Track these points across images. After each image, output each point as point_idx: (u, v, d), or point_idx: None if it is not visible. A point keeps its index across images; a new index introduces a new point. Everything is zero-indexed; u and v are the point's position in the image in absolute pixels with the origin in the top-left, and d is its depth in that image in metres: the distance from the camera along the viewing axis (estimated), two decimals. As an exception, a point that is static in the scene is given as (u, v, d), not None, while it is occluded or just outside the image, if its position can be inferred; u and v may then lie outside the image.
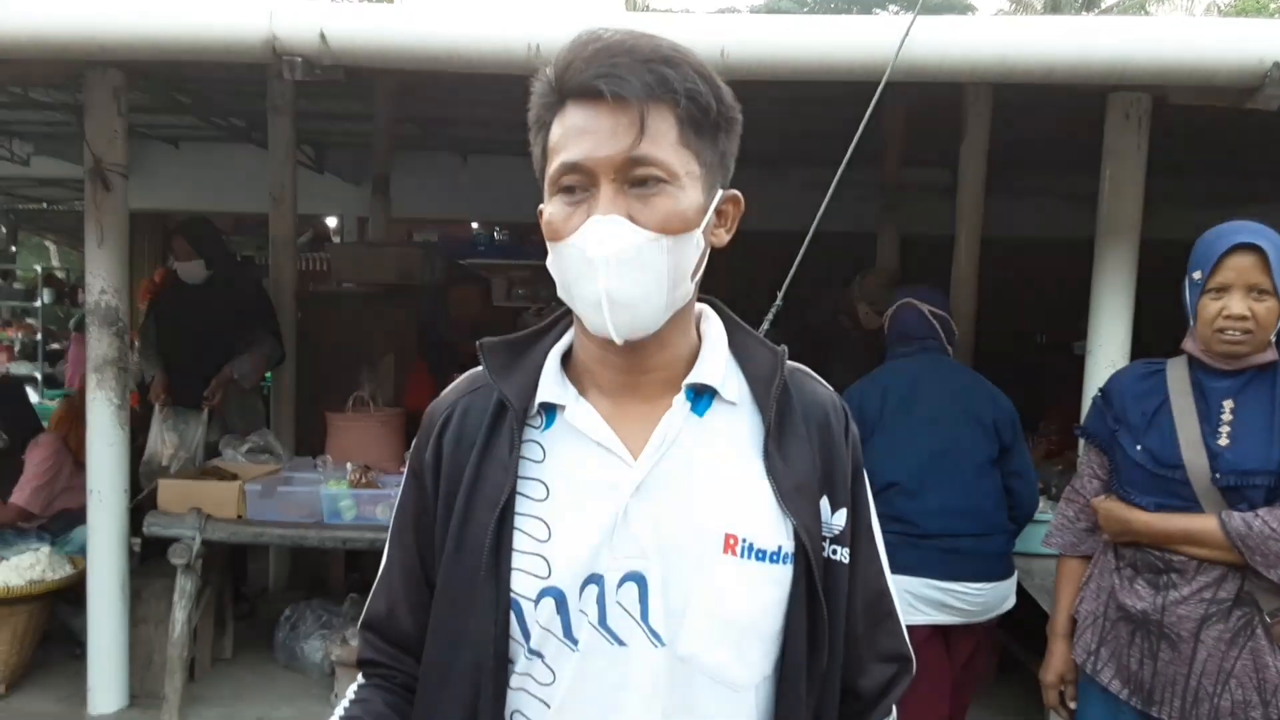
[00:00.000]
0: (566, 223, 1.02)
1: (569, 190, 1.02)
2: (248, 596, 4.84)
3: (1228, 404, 2.12)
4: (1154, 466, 2.17)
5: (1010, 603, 3.19)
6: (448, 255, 7.40)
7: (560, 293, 1.06)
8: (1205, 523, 2.09)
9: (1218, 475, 2.09)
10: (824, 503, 1.11)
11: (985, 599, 3.09)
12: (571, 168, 1.01)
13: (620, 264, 0.99)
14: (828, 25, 2.83)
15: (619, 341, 1.03)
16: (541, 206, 1.06)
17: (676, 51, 1.02)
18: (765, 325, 2.88)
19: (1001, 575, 3.12)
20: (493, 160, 7.21)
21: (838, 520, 1.12)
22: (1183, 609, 2.12)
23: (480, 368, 1.15)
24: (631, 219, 1.00)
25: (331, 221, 8.54)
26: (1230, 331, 2.07)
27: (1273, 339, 2.10)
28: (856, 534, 1.15)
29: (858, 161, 2.69)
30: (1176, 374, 2.22)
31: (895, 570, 3.02)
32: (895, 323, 3.38)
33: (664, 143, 1.00)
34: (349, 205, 7.77)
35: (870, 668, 1.17)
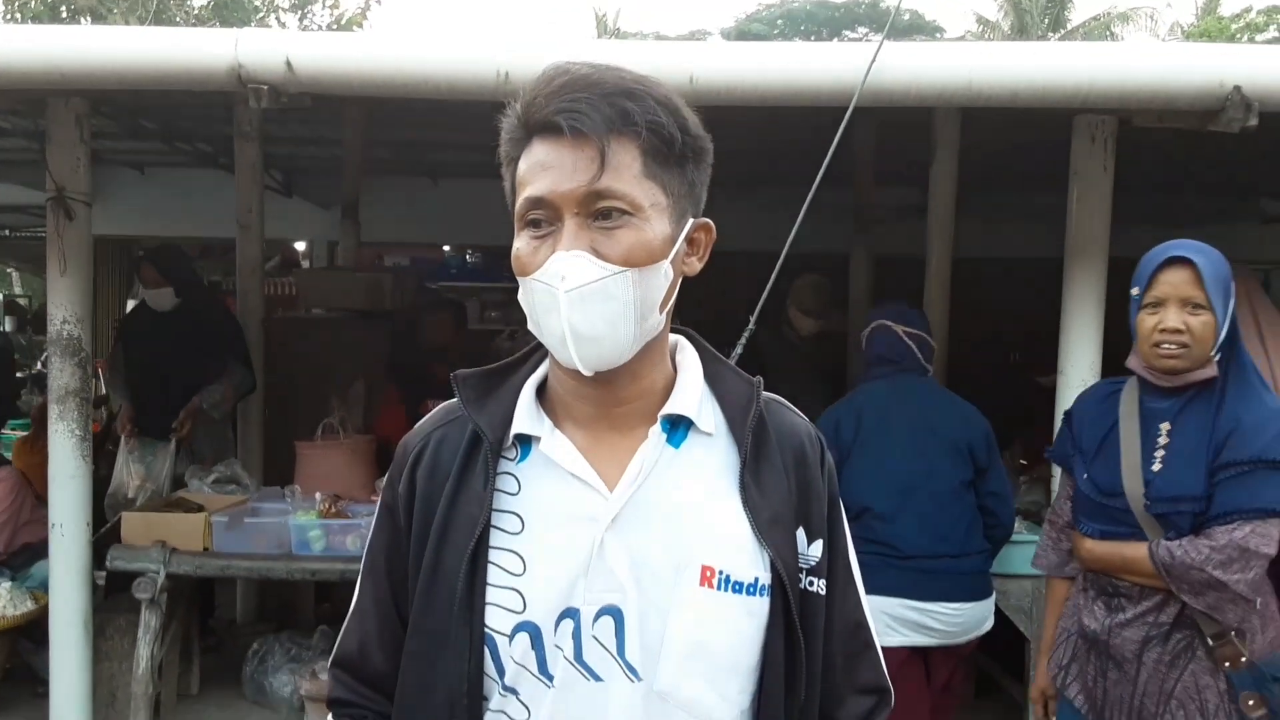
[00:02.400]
0: (533, 257, 1.02)
1: (535, 224, 1.03)
2: (215, 630, 4.76)
3: (1165, 426, 2.15)
4: (1097, 495, 2.22)
5: (989, 624, 3.19)
6: (419, 279, 7.37)
7: (530, 326, 1.06)
8: (1138, 550, 2.13)
9: (1148, 502, 2.12)
10: (800, 534, 1.11)
11: (963, 619, 3.09)
12: (536, 202, 1.01)
13: (584, 298, 0.99)
14: (795, 51, 2.86)
15: (587, 374, 1.03)
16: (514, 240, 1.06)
17: (640, 84, 1.02)
18: (738, 350, 2.87)
19: (979, 595, 3.12)
20: (464, 184, 7.18)
21: (814, 551, 1.12)
22: (1127, 631, 2.17)
23: (455, 399, 1.14)
24: (595, 252, 1.00)
25: (300, 246, 8.47)
26: (1165, 345, 2.10)
27: (1214, 356, 2.12)
28: (833, 565, 1.15)
29: (830, 182, 2.70)
30: (1128, 395, 2.26)
31: (872, 591, 3.02)
32: (870, 345, 3.38)
33: (626, 175, 1.00)
34: (318, 230, 7.71)
35: (849, 700, 1.16)
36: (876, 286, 5.95)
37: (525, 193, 1.02)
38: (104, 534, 3.83)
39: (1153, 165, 4.94)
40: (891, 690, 1.19)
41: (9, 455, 4.97)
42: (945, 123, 4.74)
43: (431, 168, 7.02)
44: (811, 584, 1.11)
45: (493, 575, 1.05)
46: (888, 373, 3.29)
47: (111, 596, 3.96)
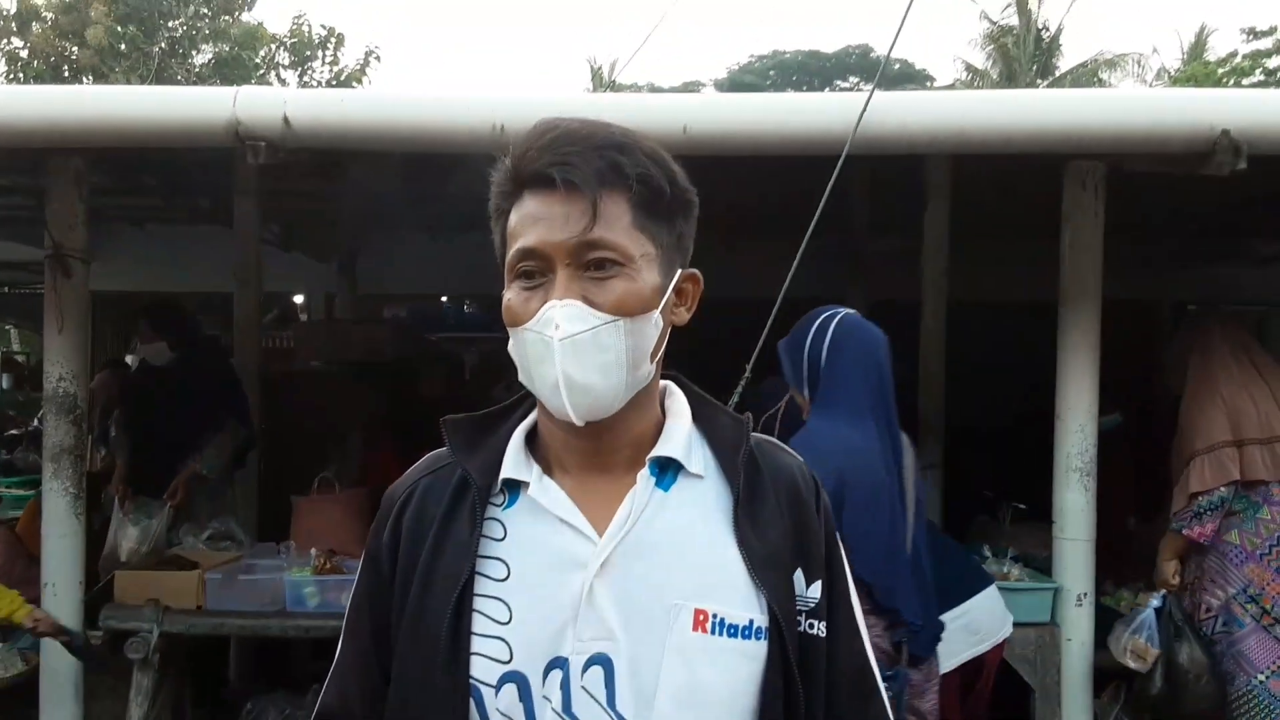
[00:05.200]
0: (525, 308, 1.03)
1: (527, 275, 1.03)
2: (227, 701, 4.60)
3: None
4: None
5: (1010, 617, 3.15)
6: (417, 330, 7.38)
7: (521, 377, 1.06)
8: None
9: None
10: (798, 575, 1.09)
11: (991, 605, 3.07)
12: (528, 253, 1.02)
13: (577, 347, 0.99)
14: (787, 101, 2.90)
15: (579, 423, 1.02)
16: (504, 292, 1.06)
17: (629, 138, 1.04)
18: (734, 398, 2.86)
19: (989, 580, 3.15)
20: (461, 235, 7.23)
21: (813, 593, 1.10)
22: None
23: (442, 449, 1.14)
24: (588, 301, 1.00)
25: (298, 299, 8.50)
26: None
27: None
28: (834, 607, 1.13)
29: (824, 228, 2.71)
30: None
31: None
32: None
33: (618, 226, 1.01)
34: (315, 282, 7.73)
35: None
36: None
37: (518, 244, 1.03)
38: (97, 593, 3.78)
39: (1145, 209, 4.98)
40: None
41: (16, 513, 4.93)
42: (936, 169, 4.79)
43: (429, 220, 7.07)
44: (811, 626, 1.09)
45: (478, 624, 1.03)
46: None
47: (105, 655, 3.88)
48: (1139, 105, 2.94)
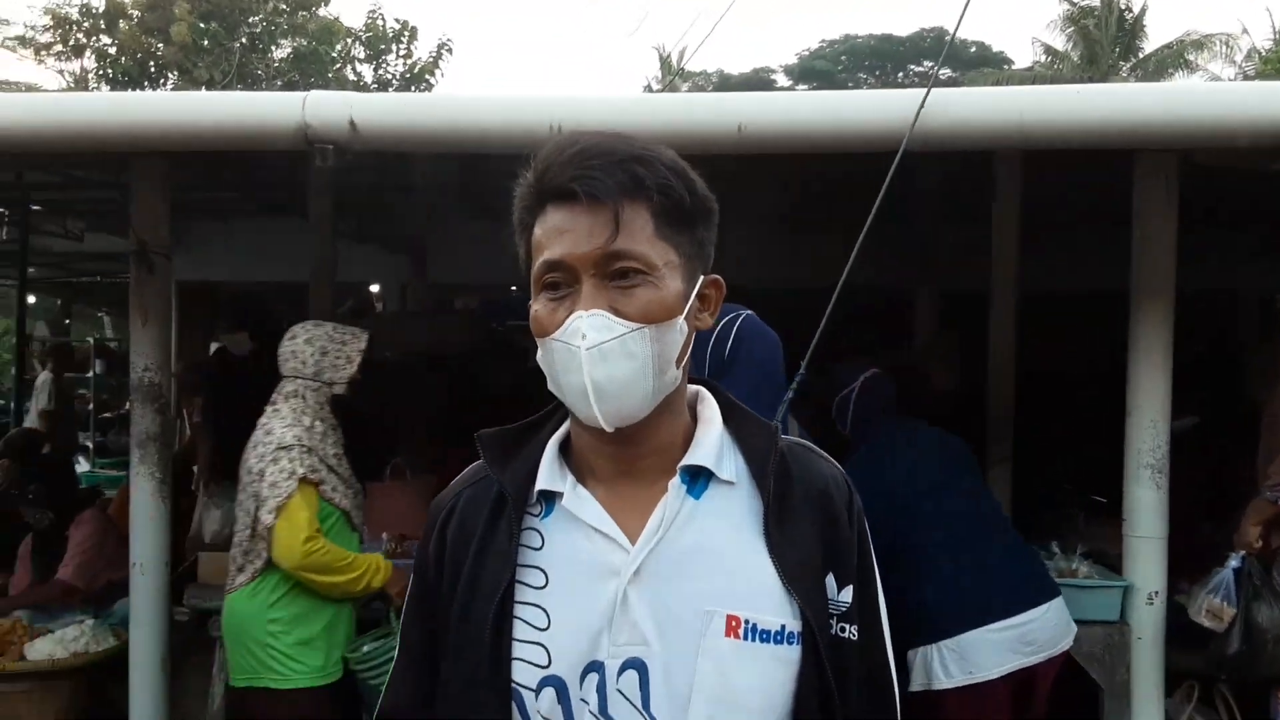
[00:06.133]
0: (552, 318, 1.06)
1: (553, 287, 1.07)
2: None
3: None
4: None
5: (1073, 629, 3.16)
6: (487, 318, 7.50)
7: (550, 386, 1.09)
8: None
9: None
10: (830, 580, 1.11)
11: (1054, 620, 3.07)
12: (553, 266, 1.06)
13: (604, 355, 1.03)
14: (842, 100, 2.88)
15: (608, 429, 1.06)
16: (531, 304, 1.10)
17: (649, 151, 1.07)
18: (789, 394, 2.87)
19: (1054, 592, 3.14)
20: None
21: (844, 598, 1.12)
22: None
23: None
24: (614, 311, 1.04)
25: (374, 289, 8.70)
26: None
27: None
28: (863, 610, 1.15)
29: (892, 219, 2.69)
30: None
31: (966, 627, 3.01)
32: (872, 398, 3.32)
33: (640, 237, 1.05)
34: (389, 273, 7.91)
35: None
36: (941, 325, 5.88)
37: (543, 256, 1.06)
38: (182, 573, 3.96)
39: (1223, 198, 4.82)
40: None
41: (109, 493, 5.18)
42: (1005, 160, 4.70)
43: (497, 211, 7.18)
44: (843, 630, 1.11)
45: (518, 630, 1.08)
46: (895, 423, 3.30)
47: (189, 633, 4.07)
48: (1205, 99, 2.85)
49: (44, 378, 9.13)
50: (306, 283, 5.55)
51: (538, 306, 1.08)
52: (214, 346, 7.18)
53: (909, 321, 6.10)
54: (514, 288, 8.83)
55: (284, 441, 3.04)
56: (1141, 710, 3.49)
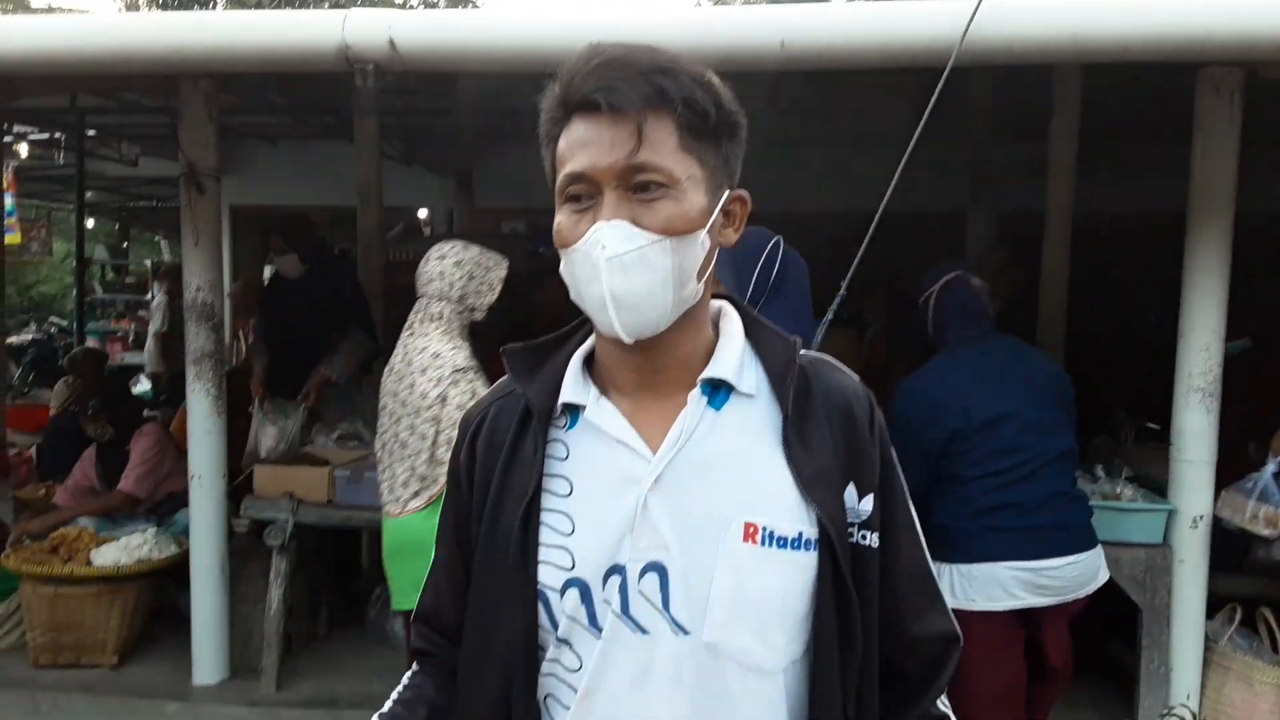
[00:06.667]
0: (574, 230, 1.07)
1: (575, 199, 1.07)
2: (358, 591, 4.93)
3: None
4: None
5: (1103, 575, 3.05)
6: (533, 242, 7.50)
7: (573, 296, 1.11)
8: None
9: None
10: (850, 489, 1.13)
11: (1078, 572, 2.97)
12: (576, 178, 1.06)
13: (624, 266, 1.04)
14: (889, 11, 2.78)
15: (627, 340, 1.07)
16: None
17: (674, 63, 1.06)
18: (829, 316, 2.85)
19: (1089, 545, 3.01)
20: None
21: (865, 506, 1.14)
22: None
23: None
24: (635, 222, 1.04)
25: (422, 213, 8.75)
26: None
27: None
28: (890, 520, 1.16)
29: (947, 139, 2.59)
30: None
31: (984, 559, 2.90)
32: (949, 303, 3.12)
33: (664, 149, 1.04)
34: (436, 197, 7.94)
35: (917, 648, 1.19)
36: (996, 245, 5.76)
37: (566, 169, 1.06)
38: (238, 485, 4.10)
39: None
40: (960, 636, 1.21)
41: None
42: (1066, 76, 4.55)
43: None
44: (864, 537, 1.13)
45: (544, 535, 1.11)
46: (973, 335, 3.07)
47: (245, 542, 4.23)
48: (1272, 10, 2.70)
49: (160, 299, 8.97)
50: (354, 206, 5.61)
51: (561, 218, 1.09)
52: (267, 269, 7.33)
53: (962, 244, 5.98)
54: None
55: (459, 364, 2.94)
56: (1182, 632, 3.50)
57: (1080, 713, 3.71)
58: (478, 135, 6.59)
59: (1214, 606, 3.58)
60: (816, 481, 1.10)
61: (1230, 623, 3.58)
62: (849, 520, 1.12)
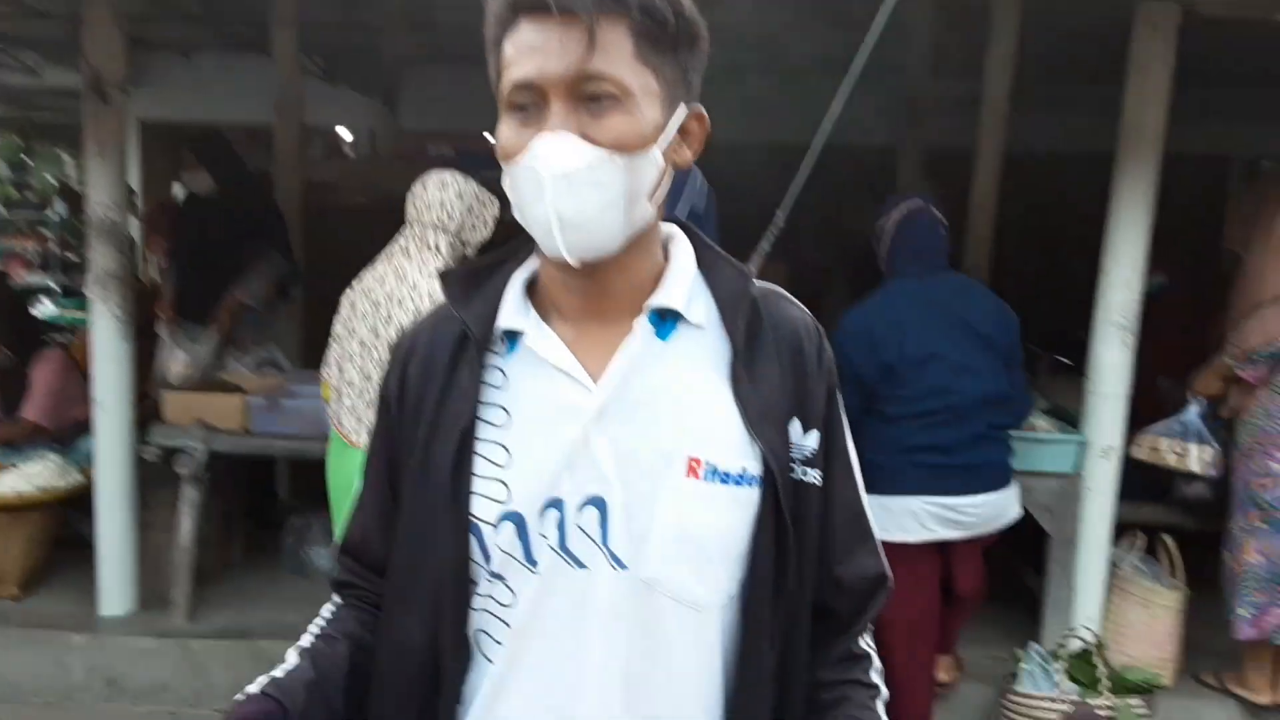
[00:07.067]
0: (516, 141, 1.00)
1: (521, 109, 1.00)
2: (275, 512, 4.83)
3: None
4: None
5: (1014, 511, 3.15)
6: (462, 166, 7.31)
7: (515, 214, 1.03)
8: None
9: None
10: (794, 424, 1.09)
11: (991, 509, 3.07)
12: (522, 85, 0.98)
13: (571, 182, 0.97)
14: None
15: (573, 263, 1.01)
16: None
17: None
18: (765, 246, 2.82)
19: (1003, 484, 3.10)
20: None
21: (809, 441, 1.10)
22: None
23: None
24: (584, 136, 0.97)
25: (344, 133, 8.45)
26: None
27: None
28: (830, 456, 1.13)
29: (880, 71, 2.55)
30: None
31: (901, 492, 2.93)
32: (902, 234, 3.08)
33: (617, 58, 0.97)
34: (360, 117, 7.66)
35: (847, 587, 1.16)
36: (926, 185, 5.77)
37: (511, 75, 0.99)
38: (146, 412, 3.95)
39: (1217, 58, 4.67)
40: (890, 577, 1.19)
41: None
42: (1004, 7, 4.53)
43: (474, 54, 6.90)
44: (805, 474, 1.10)
45: (478, 466, 1.06)
46: (920, 270, 3.05)
47: (155, 470, 4.09)
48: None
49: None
50: (272, 124, 5.37)
51: (504, 128, 1.01)
52: (179, 189, 7.02)
53: (893, 181, 5.99)
54: (490, 137, 8.61)
55: (438, 296, 2.85)
56: (1087, 558, 3.62)
57: (989, 635, 3.83)
58: (404, 54, 6.34)
59: (1118, 534, 3.70)
60: (763, 418, 1.06)
61: (1133, 549, 3.71)
62: (792, 456, 1.09)
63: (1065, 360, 4.61)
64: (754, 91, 5.71)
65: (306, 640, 1.15)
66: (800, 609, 1.11)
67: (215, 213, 4.58)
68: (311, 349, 5.12)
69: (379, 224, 5.64)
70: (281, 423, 3.83)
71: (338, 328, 2.98)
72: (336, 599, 1.21)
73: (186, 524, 3.79)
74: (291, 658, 1.11)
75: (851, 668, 1.16)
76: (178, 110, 7.40)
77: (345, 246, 5.46)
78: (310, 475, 5.00)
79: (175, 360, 4.32)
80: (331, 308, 4.83)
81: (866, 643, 1.19)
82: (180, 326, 4.51)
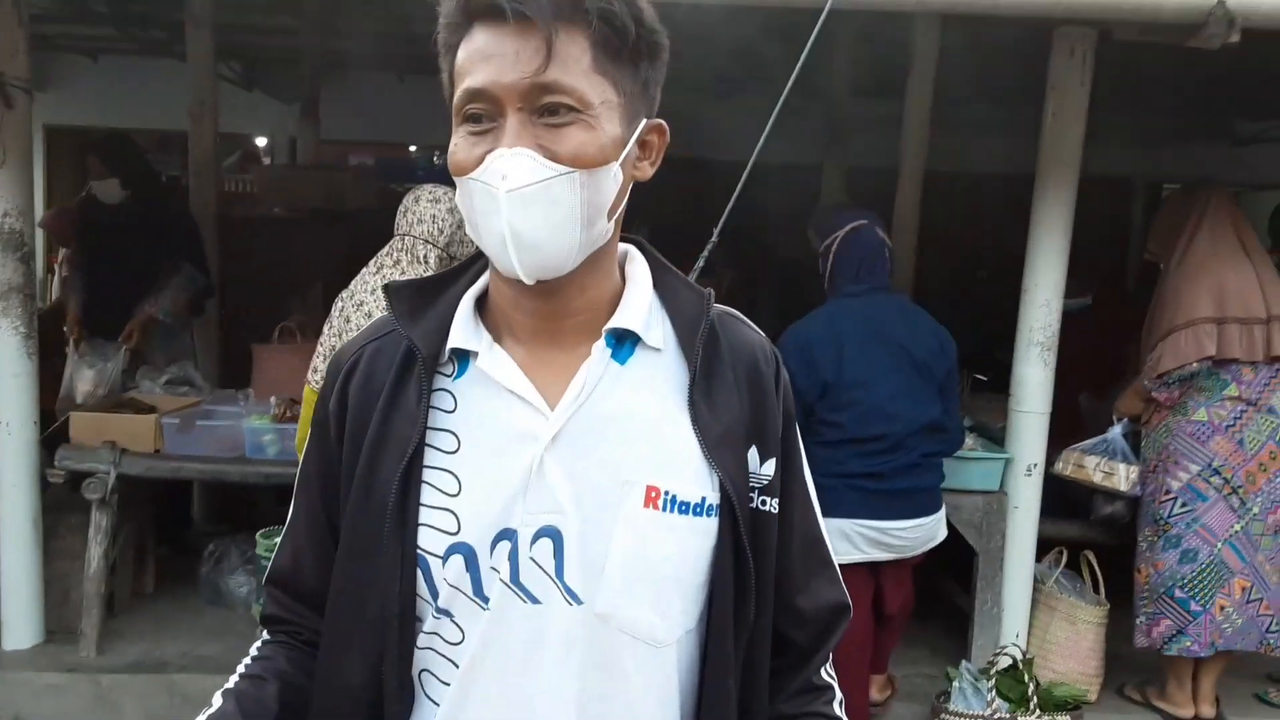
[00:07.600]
0: (470, 155, 0.95)
1: (474, 119, 0.95)
2: (188, 539, 4.65)
3: None
4: None
5: (941, 534, 3.23)
6: (385, 179, 7.19)
7: (469, 230, 0.99)
8: None
9: None
10: (753, 452, 1.06)
11: (920, 534, 3.13)
12: (475, 95, 0.94)
13: (526, 200, 0.93)
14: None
15: (528, 282, 0.96)
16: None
17: None
18: (700, 263, 2.81)
19: (933, 510, 3.16)
20: (430, 80, 6.93)
21: (766, 470, 1.07)
22: None
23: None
24: (541, 150, 0.93)
25: (261, 142, 8.23)
26: None
27: None
28: (788, 483, 1.10)
29: (805, 90, 2.58)
30: None
31: (835, 515, 2.95)
32: (851, 251, 3.08)
33: (575, 69, 0.93)
34: (279, 126, 7.47)
35: (807, 617, 1.13)
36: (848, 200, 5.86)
37: (464, 84, 0.95)
38: (52, 433, 3.76)
39: (1130, 84, 4.86)
40: (850, 606, 1.17)
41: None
42: (924, 31, 4.62)
43: (397, 63, 6.79)
44: (764, 503, 1.07)
45: (426, 495, 1.01)
46: (862, 290, 3.07)
47: (62, 495, 3.90)
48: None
49: None
50: (185, 130, 5.19)
51: (457, 140, 0.97)
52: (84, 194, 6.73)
53: (815, 198, 6.07)
54: (412, 147, 8.47)
55: None
56: (1013, 574, 3.69)
57: (920, 653, 3.87)
58: (326, 62, 6.19)
59: (1041, 550, 3.79)
60: (721, 444, 1.03)
61: (1056, 565, 3.80)
62: (750, 485, 1.06)
63: (982, 378, 4.73)
64: (679, 107, 5.74)
65: (233, 681, 1.08)
66: (761, 640, 1.09)
67: (124, 222, 4.39)
68: (228, 366, 4.96)
69: (298, 235, 5.55)
70: (196, 444, 3.68)
71: (329, 339, 2.90)
72: (265, 635, 1.14)
73: (95, 551, 3.60)
74: (217, 700, 1.04)
75: (813, 700, 1.14)
76: (84, 115, 7.12)
77: (262, 258, 5.34)
78: (227, 499, 4.87)
79: (83, 378, 4.12)
80: (248, 322, 4.71)
81: (828, 673, 1.16)
82: (87, 343, 4.31)
